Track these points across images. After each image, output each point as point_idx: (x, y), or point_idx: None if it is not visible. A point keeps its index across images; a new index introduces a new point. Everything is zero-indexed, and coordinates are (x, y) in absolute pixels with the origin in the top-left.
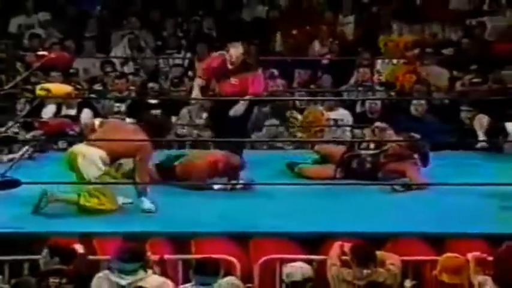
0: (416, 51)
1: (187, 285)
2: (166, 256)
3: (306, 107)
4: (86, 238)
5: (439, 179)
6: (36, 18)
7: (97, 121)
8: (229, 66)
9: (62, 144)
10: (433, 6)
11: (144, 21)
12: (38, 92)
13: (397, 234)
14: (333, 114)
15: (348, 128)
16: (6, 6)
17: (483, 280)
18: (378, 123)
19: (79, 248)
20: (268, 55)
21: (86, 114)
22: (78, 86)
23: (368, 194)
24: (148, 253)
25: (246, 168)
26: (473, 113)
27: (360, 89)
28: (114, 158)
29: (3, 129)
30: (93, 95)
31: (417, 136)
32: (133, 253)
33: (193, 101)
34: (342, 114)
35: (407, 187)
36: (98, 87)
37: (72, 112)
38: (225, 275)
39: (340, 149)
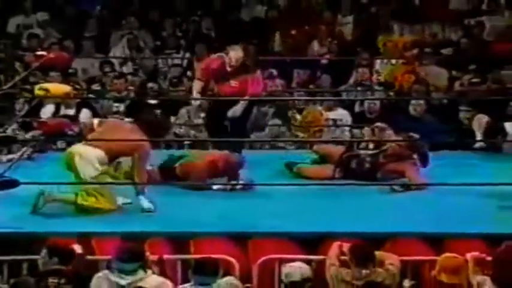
0: (415, 51)
1: (186, 285)
2: (165, 256)
3: (304, 107)
4: (84, 238)
5: (438, 179)
6: (35, 18)
7: (96, 121)
8: (229, 69)
9: (60, 144)
10: (432, 7)
11: (143, 21)
12: (37, 92)
13: (396, 234)
14: (332, 114)
15: (347, 128)
16: (4, 6)
17: (482, 280)
18: (378, 123)
19: (78, 248)
20: (267, 55)
21: (85, 114)
22: (77, 86)
23: (367, 194)
24: (147, 253)
25: (244, 166)
26: (472, 113)
27: (359, 88)
28: (112, 157)
29: (2, 129)
30: (92, 95)
31: (416, 136)
32: (133, 253)
33: (192, 101)
34: (341, 114)
35: (407, 187)
36: (96, 87)
37: (71, 112)
38: (224, 275)
39: (339, 149)
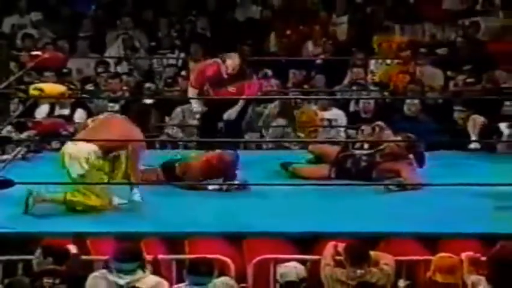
0: (410, 51)
1: (181, 285)
2: (160, 256)
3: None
4: (79, 238)
5: (433, 179)
6: (29, 18)
7: (90, 121)
8: (225, 76)
9: (55, 144)
10: (426, 7)
11: (138, 21)
12: (32, 92)
13: (391, 234)
14: (326, 114)
15: (342, 128)
16: None
17: (477, 280)
18: (378, 122)
19: (72, 248)
20: (263, 55)
21: (80, 114)
22: (72, 86)
23: (362, 194)
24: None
25: (238, 163)
26: (466, 113)
27: (353, 88)
28: (106, 151)
29: None
30: (86, 95)
31: (414, 137)
32: (131, 253)
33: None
34: (336, 114)
35: (402, 187)
36: (89, 87)
37: (66, 112)
38: (219, 275)
39: (334, 149)
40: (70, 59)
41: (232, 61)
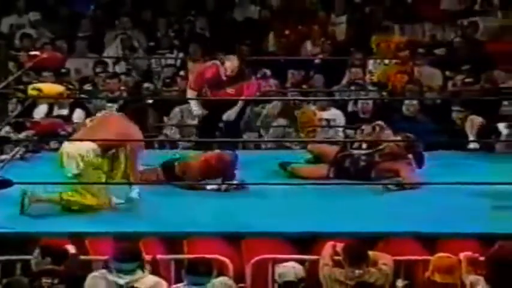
0: (408, 51)
1: (179, 285)
2: (158, 256)
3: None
4: (78, 238)
5: (432, 178)
6: (27, 18)
7: (89, 120)
8: (224, 78)
9: (53, 144)
10: (425, 7)
11: (136, 21)
12: (30, 92)
13: (390, 234)
14: (325, 114)
15: (341, 128)
16: None
17: (475, 280)
18: (378, 122)
19: (71, 248)
20: (261, 55)
21: (78, 114)
22: (70, 86)
23: (361, 194)
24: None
25: (237, 163)
26: (464, 114)
27: (352, 88)
28: (105, 149)
29: None
30: (85, 95)
31: (413, 137)
32: (131, 253)
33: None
34: (334, 114)
35: (401, 186)
36: (87, 87)
37: (64, 112)
38: (218, 275)
39: (333, 149)
40: (68, 59)
41: (231, 63)
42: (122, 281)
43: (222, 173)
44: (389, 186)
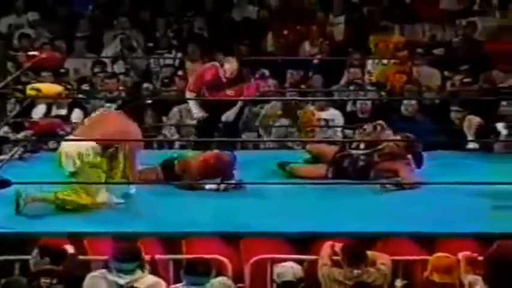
0: (407, 51)
1: (178, 285)
2: (157, 256)
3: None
4: (76, 238)
5: (431, 178)
6: (26, 18)
7: (87, 120)
8: (224, 80)
9: (52, 144)
10: (423, 7)
11: (135, 21)
12: (29, 91)
13: (388, 234)
14: (323, 114)
15: (339, 128)
16: None
17: (473, 280)
18: (379, 121)
19: (69, 248)
20: (260, 55)
21: (77, 114)
22: (69, 86)
23: (360, 194)
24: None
25: (236, 164)
26: (463, 114)
27: (351, 88)
28: (105, 147)
29: None
30: (83, 95)
31: (413, 137)
32: (131, 253)
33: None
34: (333, 114)
35: (399, 186)
36: (85, 87)
37: (63, 112)
38: (216, 275)
39: (332, 149)
40: (67, 59)
41: (230, 65)
42: (122, 281)
43: (220, 173)
44: (388, 186)
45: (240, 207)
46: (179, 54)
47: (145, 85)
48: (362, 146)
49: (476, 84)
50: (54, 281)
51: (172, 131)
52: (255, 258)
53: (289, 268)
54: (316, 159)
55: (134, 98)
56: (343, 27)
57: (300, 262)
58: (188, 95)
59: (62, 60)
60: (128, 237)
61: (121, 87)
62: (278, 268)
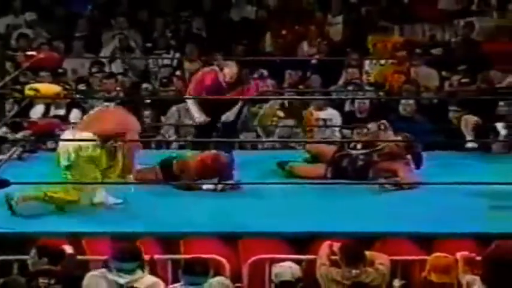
0: (405, 51)
1: (176, 285)
2: (155, 256)
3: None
4: (75, 238)
5: (429, 178)
6: (23, 19)
7: (85, 117)
8: (224, 84)
9: (50, 144)
10: (421, 7)
11: (133, 22)
12: (27, 92)
13: (386, 234)
14: (322, 114)
15: (337, 128)
16: None
17: (471, 280)
18: (383, 121)
19: (68, 248)
20: (258, 55)
21: (75, 114)
22: (67, 86)
23: (358, 194)
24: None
25: (233, 166)
26: (460, 114)
27: (349, 88)
28: (105, 139)
29: None
30: (81, 95)
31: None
32: (132, 252)
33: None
34: (331, 113)
35: (398, 186)
36: (82, 87)
37: (61, 112)
38: (215, 275)
39: (331, 148)
40: (65, 59)
41: (230, 70)
42: (122, 281)
43: (218, 173)
44: (387, 186)
45: (238, 207)
46: (177, 55)
47: (144, 85)
48: (359, 146)
49: (474, 84)
50: (52, 281)
51: (170, 132)
52: (253, 258)
53: (287, 268)
54: (315, 158)
55: (132, 98)
56: (341, 28)
57: (298, 262)
58: (189, 100)
59: (60, 61)
60: (126, 237)
61: (118, 88)
62: (276, 268)
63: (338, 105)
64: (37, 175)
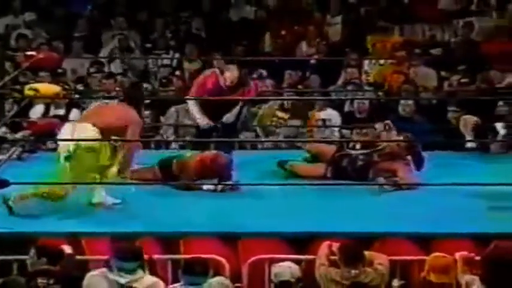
0: (404, 51)
1: (176, 285)
2: (155, 256)
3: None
4: (74, 238)
5: (428, 179)
6: (23, 19)
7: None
8: (225, 88)
9: (50, 144)
10: (421, 7)
11: (132, 22)
12: (27, 92)
13: (386, 234)
14: (321, 114)
15: (337, 128)
16: None
17: (470, 280)
18: (387, 121)
19: (67, 248)
20: (257, 56)
21: (75, 114)
22: (67, 86)
23: (358, 194)
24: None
25: (232, 166)
26: (459, 114)
27: (348, 88)
28: (106, 134)
29: None
30: (80, 95)
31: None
32: (133, 252)
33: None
34: (330, 114)
35: (397, 186)
36: (80, 87)
37: (61, 112)
38: (214, 275)
39: (331, 148)
40: (65, 59)
41: (230, 73)
42: (122, 280)
43: (217, 173)
44: (386, 186)
45: (238, 207)
46: (177, 55)
47: (144, 85)
48: (358, 146)
49: (473, 85)
50: (51, 281)
51: (169, 133)
52: (252, 258)
53: (286, 268)
54: (315, 158)
55: (132, 98)
56: (340, 28)
57: (297, 262)
58: (190, 104)
59: (60, 61)
60: (125, 237)
61: (117, 88)
62: (276, 268)
63: (337, 105)
64: (37, 175)
